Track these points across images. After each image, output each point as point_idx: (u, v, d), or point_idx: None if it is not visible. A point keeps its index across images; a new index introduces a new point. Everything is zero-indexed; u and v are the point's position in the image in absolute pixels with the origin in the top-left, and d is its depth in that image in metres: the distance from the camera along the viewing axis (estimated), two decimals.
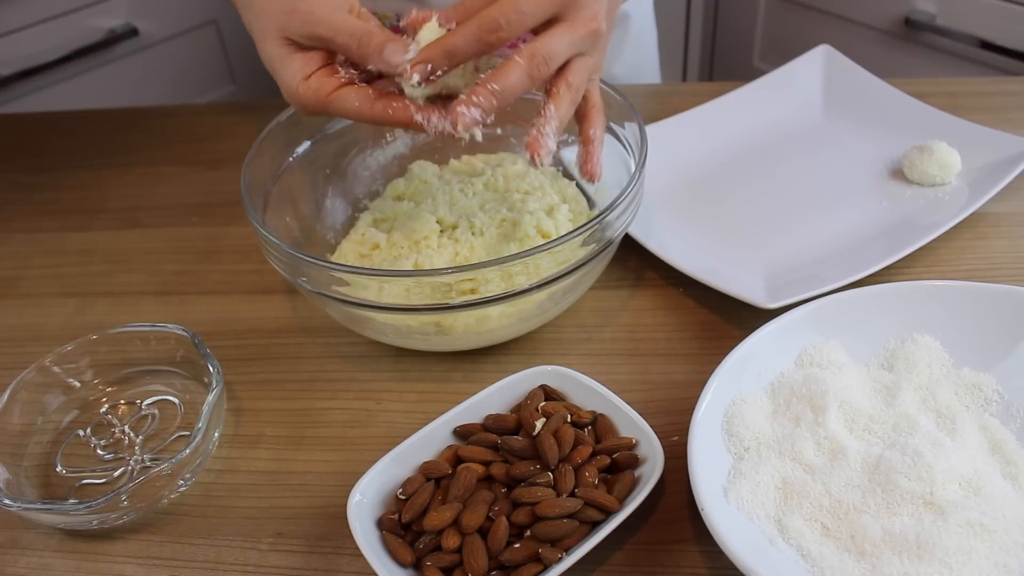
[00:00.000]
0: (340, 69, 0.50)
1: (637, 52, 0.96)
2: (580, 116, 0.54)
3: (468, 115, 0.46)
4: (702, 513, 0.42)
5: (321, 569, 0.47)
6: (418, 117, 0.48)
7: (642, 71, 0.98)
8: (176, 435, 0.55)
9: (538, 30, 0.48)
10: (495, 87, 0.46)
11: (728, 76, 1.91)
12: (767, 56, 1.78)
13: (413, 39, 0.48)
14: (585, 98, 0.53)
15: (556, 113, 0.48)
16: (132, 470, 0.53)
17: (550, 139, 0.48)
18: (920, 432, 0.46)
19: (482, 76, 0.47)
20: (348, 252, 0.62)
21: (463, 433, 0.49)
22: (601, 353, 0.58)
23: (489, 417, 0.49)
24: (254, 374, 0.59)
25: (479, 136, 0.47)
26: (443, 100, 0.49)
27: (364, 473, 0.46)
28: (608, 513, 0.44)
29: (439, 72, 0.46)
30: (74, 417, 0.56)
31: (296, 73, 0.49)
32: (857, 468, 0.45)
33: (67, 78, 1.36)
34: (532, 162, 0.48)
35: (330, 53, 0.50)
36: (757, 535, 0.43)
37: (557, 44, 0.47)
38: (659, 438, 0.47)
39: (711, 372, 0.48)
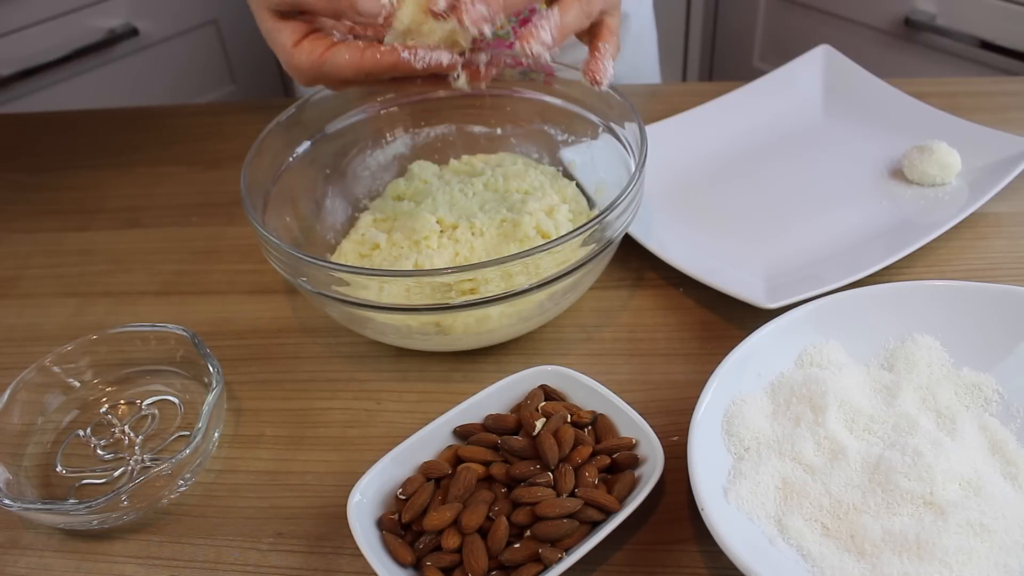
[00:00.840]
0: (336, 33, 0.51)
1: (637, 52, 0.96)
2: (592, 36, 0.54)
3: (475, 9, 0.45)
4: (702, 513, 0.42)
5: (321, 569, 0.47)
6: (404, 55, 0.48)
7: (642, 71, 0.98)
8: (176, 435, 0.55)
9: None
10: None
11: (728, 76, 1.91)
12: (767, 56, 1.78)
13: None
14: (601, 23, 0.53)
15: (554, 13, 0.48)
16: (132, 470, 0.53)
17: (544, 31, 0.48)
18: (920, 432, 0.46)
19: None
20: (348, 252, 0.62)
21: (463, 433, 0.49)
22: (601, 353, 0.58)
23: (489, 417, 0.49)
24: (254, 374, 0.59)
25: (487, 31, 0.46)
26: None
27: (364, 473, 0.46)
28: (608, 513, 0.44)
29: None
30: (74, 417, 0.56)
31: (287, 41, 0.50)
32: (857, 468, 0.45)
33: (67, 78, 1.36)
34: (522, 47, 0.48)
35: (314, 18, 0.51)
36: (757, 535, 0.43)
37: None
38: (659, 438, 0.47)
39: (711, 372, 0.48)
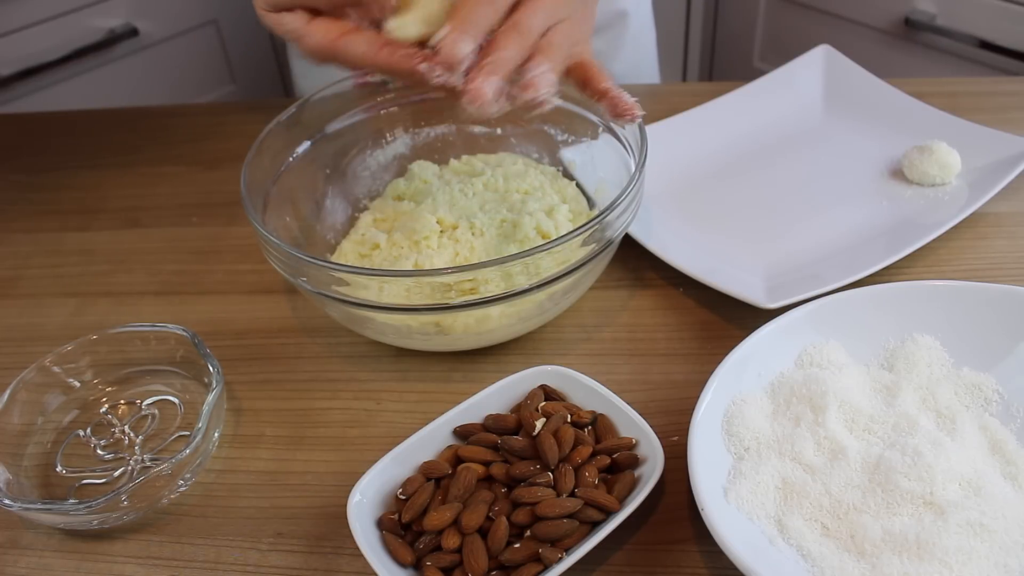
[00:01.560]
0: (351, 12, 0.50)
1: (636, 51, 0.96)
2: (583, 81, 0.54)
3: (485, 87, 0.46)
4: (702, 513, 0.42)
5: (321, 569, 0.47)
6: (422, 66, 0.47)
7: (641, 70, 0.98)
8: (176, 435, 0.55)
9: None
10: (488, 60, 0.46)
11: (728, 76, 1.91)
12: (767, 56, 1.78)
13: None
14: (583, 64, 0.53)
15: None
16: (132, 470, 0.53)
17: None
18: (920, 432, 0.46)
19: None
20: (348, 252, 0.62)
21: (463, 433, 0.49)
22: (601, 353, 0.58)
23: (489, 417, 0.49)
24: (254, 374, 0.59)
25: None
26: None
27: (364, 473, 0.46)
28: (608, 513, 0.44)
29: None
30: (74, 417, 0.56)
31: (297, 24, 0.50)
32: (857, 468, 0.45)
33: (67, 78, 1.36)
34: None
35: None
36: (757, 535, 0.43)
37: (533, 17, 0.48)
38: (659, 438, 0.47)
39: (711, 372, 0.48)
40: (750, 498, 0.44)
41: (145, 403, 0.57)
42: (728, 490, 0.44)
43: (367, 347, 0.60)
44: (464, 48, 0.45)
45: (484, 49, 0.47)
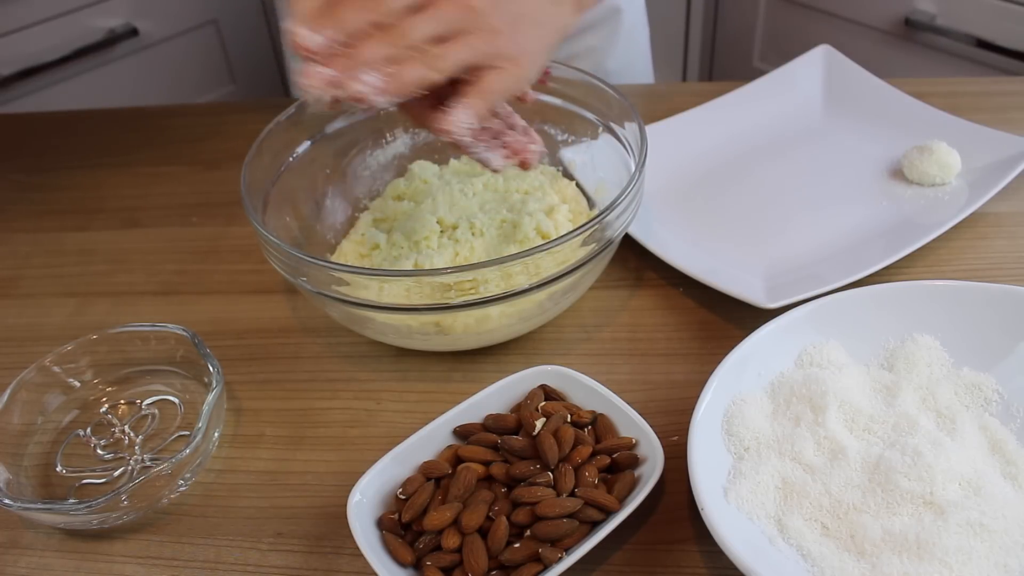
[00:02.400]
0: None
1: (629, 48, 0.96)
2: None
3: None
4: (702, 513, 0.42)
5: (321, 569, 0.47)
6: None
7: (634, 68, 0.98)
8: (176, 435, 0.55)
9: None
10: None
11: (728, 76, 1.91)
12: (767, 56, 1.78)
13: None
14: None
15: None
16: (132, 470, 0.53)
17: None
18: (920, 432, 0.46)
19: None
20: (348, 252, 0.62)
21: (463, 433, 0.49)
22: (601, 353, 0.58)
23: (489, 417, 0.49)
24: (254, 374, 0.59)
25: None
26: None
27: (364, 473, 0.46)
28: (608, 513, 0.44)
29: None
30: (74, 417, 0.56)
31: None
32: (857, 468, 0.45)
33: (67, 78, 1.36)
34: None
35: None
36: (757, 535, 0.43)
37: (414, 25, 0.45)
38: (659, 438, 0.47)
39: (711, 372, 0.48)
40: (750, 498, 0.44)
41: (145, 403, 0.57)
42: (728, 490, 0.44)
43: (367, 347, 0.60)
44: (309, 39, 0.43)
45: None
